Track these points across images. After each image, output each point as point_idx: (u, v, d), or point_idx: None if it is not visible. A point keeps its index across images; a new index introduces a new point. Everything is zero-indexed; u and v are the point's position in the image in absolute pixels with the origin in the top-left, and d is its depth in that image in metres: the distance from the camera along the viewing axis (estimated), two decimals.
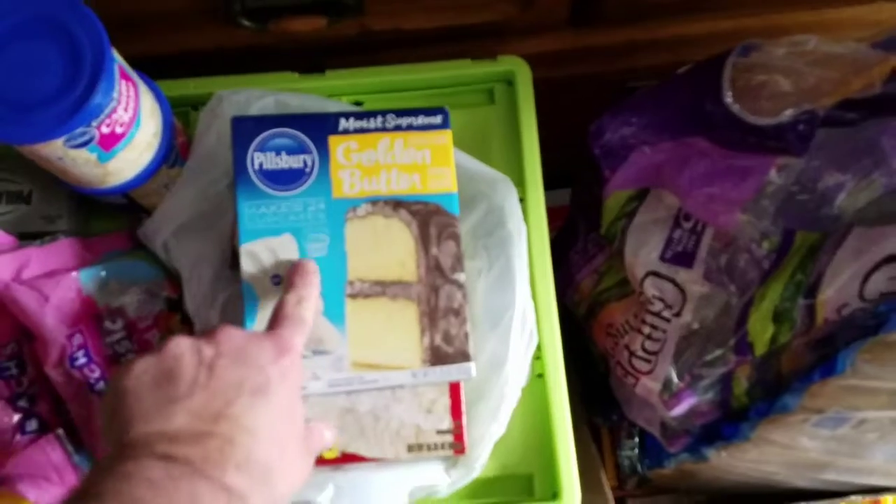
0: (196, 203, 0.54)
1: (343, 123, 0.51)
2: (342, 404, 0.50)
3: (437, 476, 0.52)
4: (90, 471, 0.38)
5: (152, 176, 0.52)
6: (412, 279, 0.50)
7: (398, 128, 0.51)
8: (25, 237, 0.54)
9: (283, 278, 0.48)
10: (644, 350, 0.60)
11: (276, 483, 0.37)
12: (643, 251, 0.59)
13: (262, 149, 0.50)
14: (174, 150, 0.53)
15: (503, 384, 0.52)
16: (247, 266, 0.49)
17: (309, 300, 0.45)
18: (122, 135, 0.48)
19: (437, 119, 0.52)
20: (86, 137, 0.45)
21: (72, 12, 0.44)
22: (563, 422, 0.54)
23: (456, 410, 0.51)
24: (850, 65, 0.50)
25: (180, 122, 0.56)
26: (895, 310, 0.46)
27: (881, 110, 0.47)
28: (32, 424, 0.52)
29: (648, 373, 0.60)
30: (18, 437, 0.51)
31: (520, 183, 0.57)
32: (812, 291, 0.50)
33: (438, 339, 0.50)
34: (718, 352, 0.55)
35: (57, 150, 0.46)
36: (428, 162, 0.51)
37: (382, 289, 0.50)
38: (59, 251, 0.53)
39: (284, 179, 0.50)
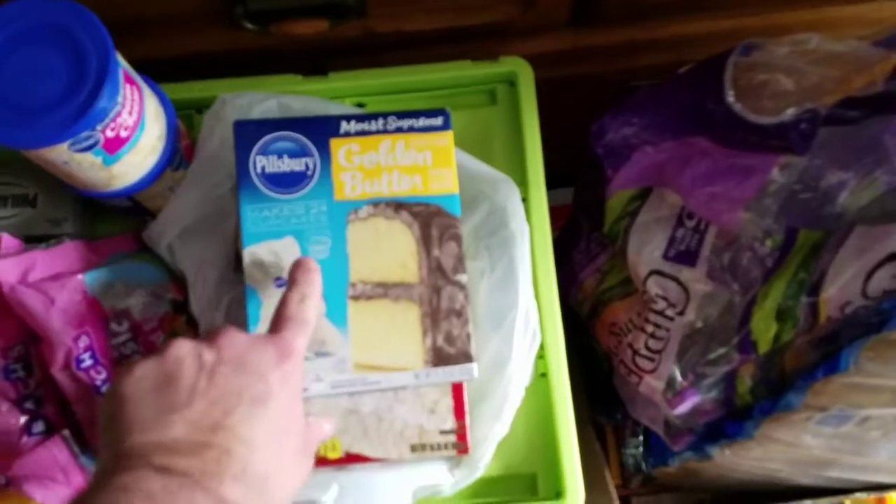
0: (200, 206, 0.54)
1: (344, 126, 0.51)
2: (345, 405, 0.51)
3: (441, 476, 0.52)
4: (88, 483, 0.39)
5: (157, 179, 0.52)
6: (414, 280, 0.51)
7: (399, 130, 0.52)
8: (31, 240, 0.54)
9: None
10: (647, 349, 0.60)
11: (273, 492, 0.37)
12: (646, 250, 0.59)
13: (264, 152, 0.51)
14: (178, 153, 0.54)
15: (506, 384, 0.52)
16: (249, 269, 0.49)
17: (312, 298, 0.44)
18: (127, 138, 0.48)
19: (438, 121, 0.52)
20: (91, 141, 0.46)
21: (76, 17, 0.45)
22: (566, 421, 0.54)
23: (459, 411, 0.51)
24: (852, 63, 0.50)
25: (184, 125, 0.56)
26: None
27: (883, 108, 0.47)
28: (39, 426, 0.52)
29: (652, 371, 0.60)
30: (25, 438, 0.51)
31: (522, 183, 0.57)
32: (815, 289, 0.50)
33: (440, 340, 0.50)
34: (722, 350, 0.55)
35: (62, 154, 0.46)
36: (429, 163, 0.52)
37: (384, 290, 0.50)
38: (64, 254, 0.54)
39: (287, 182, 0.50)
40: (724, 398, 0.58)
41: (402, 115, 0.52)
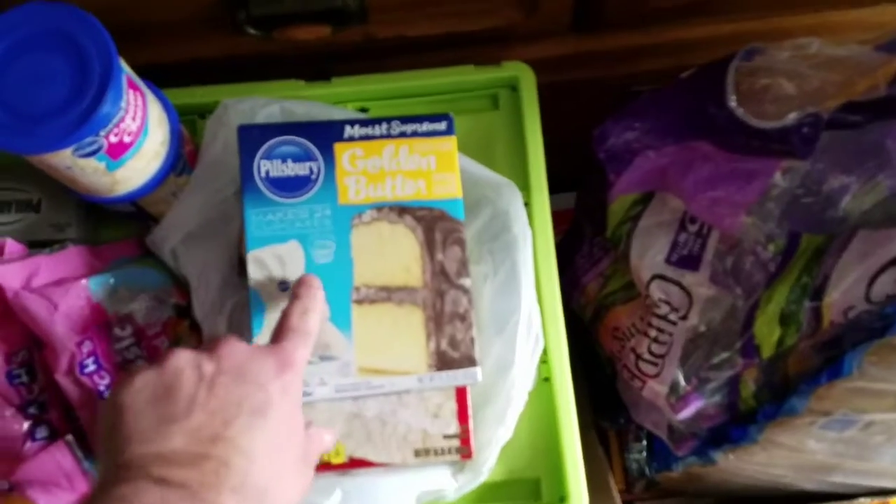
0: (203, 210, 0.54)
1: (348, 131, 0.52)
2: (349, 409, 0.51)
3: (445, 480, 0.52)
4: (87, 494, 0.38)
5: (160, 184, 0.52)
6: (418, 284, 0.51)
7: (403, 134, 0.52)
8: (35, 245, 0.54)
9: (290, 290, 0.49)
10: (651, 353, 0.60)
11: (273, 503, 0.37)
12: (649, 254, 0.59)
13: (268, 156, 0.51)
14: (182, 159, 0.54)
15: (510, 388, 0.52)
16: (254, 273, 0.50)
17: (314, 312, 0.44)
18: (131, 144, 0.48)
19: (442, 125, 0.52)
20: (94, 147, 0.46)
21: (80, 24, 0.45)
22: (569, 425, 0.54)
23: (462, 415, 0.51)
24: (854, 67, 0.50)
25: (187, 131, 0.57)
26: None
27: (885, 112, 0.47)
28: (43, 431, 0.52)
29: (655, 376, 0.60)
30: (29, 443, 0.51)
31: (525, 187, 0.57)
32: (818, 294, 0.50)
33: (444, 344, 0.50)
34: (725, 355, 0.55)
35: (66, 160, 0.46)
36: (433, 168, 0.52)
37: (388, 294, 0.50)
38: (68, 259, 0.54)
39: (291, 187, 0.51)
40: (727, 403, 0.58)
41: (405, 119, 0.52)
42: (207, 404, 0.37)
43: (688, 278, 0.57)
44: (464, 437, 0.51)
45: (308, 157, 0.51)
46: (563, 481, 0.53)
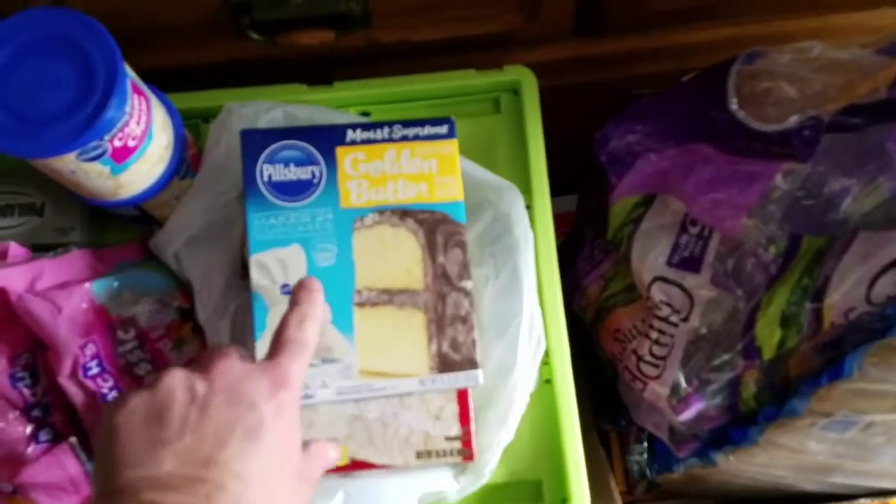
0: (206, 214, 0.54)
1: (350, 135, 0.52)
2: (351, 412, 0.51)
3: (446, 482, 0.52)
4: None
5: (164, 188, 0.52)
6: (419, 287, 0.51)
7: (405, 138, 0.52)
8: (38, 249, 0.54)
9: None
10: (652, 355, 0.60)
11: None
12: (650, 256, 0.59)
13: (271, 161, 0.51)
14: (185, 163, 0.54)
15: (511, 390, 0.52)
16: (256, 276, 0.50)
17: (313, 318, 0.43)
18: (135, 148, 0.48)
19: (443, 129, 0.53)
20: (98, 151, 0.46)
21: (84, 29, 0.45)
22: (571, 427, 0.54)
23: (464, 417, 0.51)
24: (855, 70, 0.50)
25: (191, 135, 0.57)
26: None
27: (886, 115, 0.48)
28: (46, 434, 0.52)
29: (656, 378, 0.60)
30: (32, 447, 0.51)
31: (526, 190, 0.57)
32: (819, 295, 0.50)
33: (446, 347, 0.50)
34: (726, 356, 0.56)
35: (70, 164, 0.46)
36: (434, 171, 0.52)
37: (390, 297, 0.51)
38: (71, 262, 0.54)
39: (293, 190, 0.51)
40: (728, 404, 0.58)
41: (407, 123, 0.52)
42: (199, 426, 0.36)
43: (689, 280, 0.57)
44: (465, 439, 0.51)
45: (310, 161, 0.51)
46: (565, 483, 0.53)
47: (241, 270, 0.54)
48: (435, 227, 0.51)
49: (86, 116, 0.44)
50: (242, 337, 0.52)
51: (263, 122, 0.55)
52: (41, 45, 0.45)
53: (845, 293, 0.49)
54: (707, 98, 0.54)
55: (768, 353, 0.53)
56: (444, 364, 0.50)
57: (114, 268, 0.55)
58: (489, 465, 0.52)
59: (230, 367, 0.39)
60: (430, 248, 0.51)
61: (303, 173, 0.51)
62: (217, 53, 0.58)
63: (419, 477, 0.52)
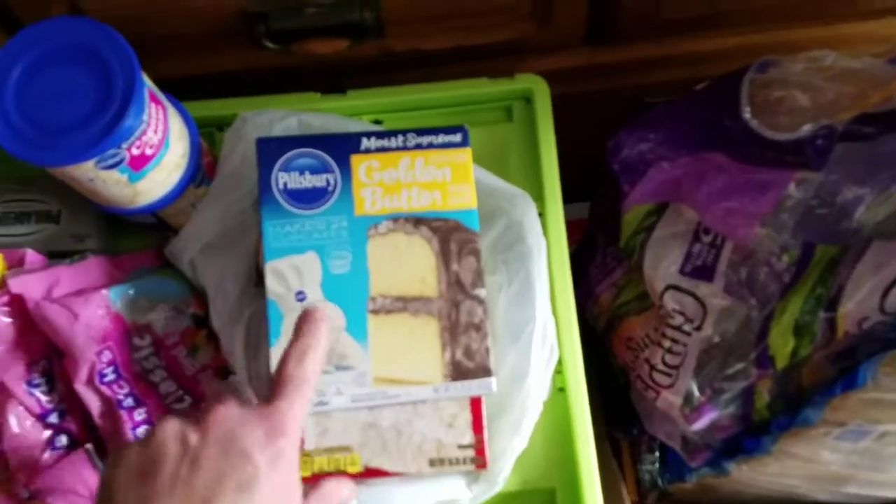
0: (221, 222, 0.55)
1: (365, 143, 0.52)
2: (365, 419, 0.51)
3: (460, 490, 0.52)
4: None
5: (180, 196, 0.53)
6: (433, 295, 0.51)
7: (419, 146, 0.52)
8: (55, 256, 0.55)
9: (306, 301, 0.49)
10: (665, 364, 0.60)
11: None
12: (662, 265, 0.59)
13: (286, 168, 0.51)
14: (201, 170, 0.55)
15: (524, 398, 0.52)
16: (271, 284, 0.50)
17: (315, 351, 0.42)
18: (152, 156, 0.49)
19: (457, 137, 0.53)
20: (116, 159, 0.47)
21: (103, 38, 0.46)
22: (584, 435, 0.54)
23: (477, 425, 0.51)
24: (868, 80, 0.50)
25: (206, 143, 0.57)
26: None
27: None
28: (62, 440, 0.52)
29: (669, 387, 0.60)
30: (49, 452, 0.52)
31: (539, 198, 0.57)
32: (832, 305, 0.50)
33: (459, 355, 0.51)
34: (739, 365, 0.56)
35: (88, 172, 0.47)
36: (448, 179, 0.52)
37: (404, 304, 0.51)
38: (88, 270, 0.54)
39: (308, 198, 0.51)
40: (741, 413, 0.58)
41: (421, 132, 0.52)
42: (190, 481, 0.35)
43: (702, 289, 0.57)
44: (478, 447, 0.51)
45: (325, 169, 0.52)
46: (579, 492, 0.53)
47: (256, 278, 0.54)
48: (449, 235, 0.52)
49: (104, 125, 0.45)
50: (257, 344, 0.53)
51: (278, 130, 0.55)
52: (59, 54, 0.46)
53: (859, 302, 0.49)
54: (720, 106, 0.54)
55: (781, 362, 0.53)
56: (458, 372, 0.50)
57: (130, 275, 0.55)
58: (502, 474, 0.52)
59: (226, 415, 0.38)
60: (444, 256, 0.51)
61: (318, 181, 0.51)
62: (232, 62, 0.58)
63: (432, 485, 0.52)
